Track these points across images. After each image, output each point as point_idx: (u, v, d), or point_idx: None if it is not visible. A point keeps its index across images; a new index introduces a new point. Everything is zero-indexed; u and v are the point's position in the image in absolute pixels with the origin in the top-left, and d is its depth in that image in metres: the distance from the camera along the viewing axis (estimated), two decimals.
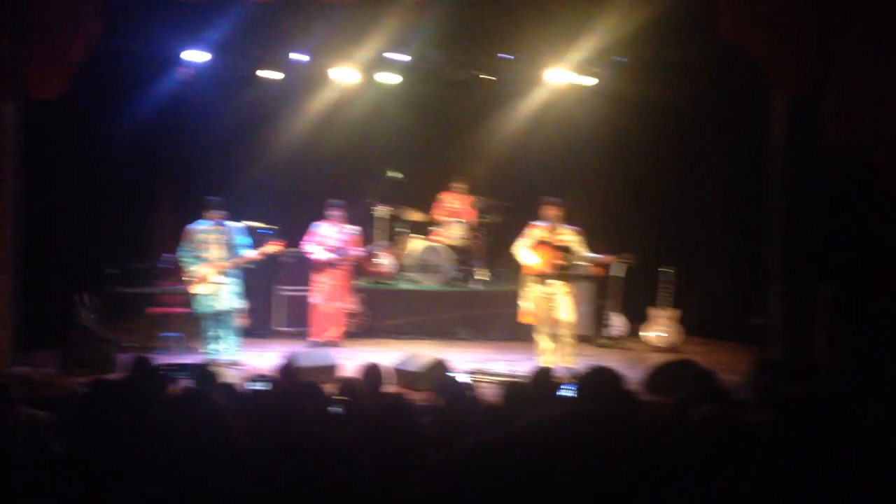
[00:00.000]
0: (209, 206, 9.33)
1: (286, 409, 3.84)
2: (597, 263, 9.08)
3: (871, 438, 3.76)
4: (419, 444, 4.07)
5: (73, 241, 10.59)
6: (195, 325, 9.99)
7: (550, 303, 9.05)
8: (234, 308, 9.44)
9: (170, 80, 10.99)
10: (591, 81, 11.34)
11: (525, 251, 9.10)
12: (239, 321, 9.53)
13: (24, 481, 4.02)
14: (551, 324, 9.10)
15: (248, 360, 9.19)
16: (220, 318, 9.35)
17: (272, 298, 10.96)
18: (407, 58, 11.18)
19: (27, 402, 5.04)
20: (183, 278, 9.35)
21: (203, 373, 5.10)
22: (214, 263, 9.27)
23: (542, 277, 9.01)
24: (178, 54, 10.73)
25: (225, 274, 9.32)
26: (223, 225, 9.40)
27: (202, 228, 9.36)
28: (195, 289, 9.26)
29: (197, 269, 9.25)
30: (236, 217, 9.64)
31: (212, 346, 9.37)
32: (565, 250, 8.93)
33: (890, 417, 3.99)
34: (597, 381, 4.06)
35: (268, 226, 10.27)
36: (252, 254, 9.43)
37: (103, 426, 3.66)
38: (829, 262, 7.26)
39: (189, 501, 2.64)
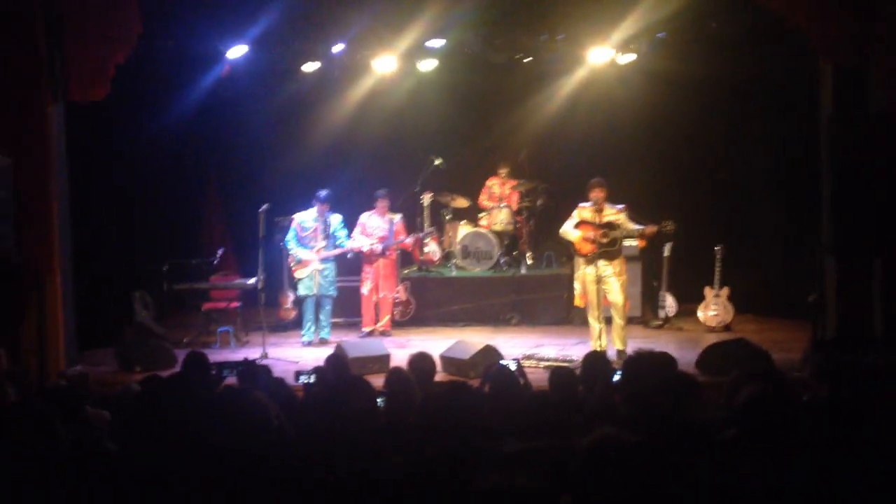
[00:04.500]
0: (318, 199, 10.07)
1: (333, 404, 3.86)
2: (640, 235, 8.97)
3: None
4: (472, 432, 4.03)
5: (125, 240, 10.78)
6: (247, 319, 10.19)
7: (601, 285, 8.96)
8: (331, 294, 10.20)
9: (211, 76, 11.09)
10: (631, 58, 11.14)
11: (570, 231, 9.03)
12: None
13: (80, 481, 4.09)
14: (602, 306, 9.01)
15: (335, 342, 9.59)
16: (319, 302, 10.15)
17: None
18: (444, 42, 11.09)
19: (89, 402, 5.12)
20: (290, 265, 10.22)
21: (248, 370, 5.16)
22: (316, 251, 10.07)
23: (589, 258, 8.93)
24: (218, 50, 10.81)
25: (325, 261, 10.12)
26: (325, 216, 10.13)
27: (307, 218, 10.12)
28: (298, 274, 10.13)
29: (302, 255, 10.07)
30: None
31: (308, 329, 10.08)
32: (609, 227, 8.84)
33: None
34: (643, 366, 4.01)
35: None
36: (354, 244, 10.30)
37: (154, 424, 3.71)
38: (883, 235, 7.07)
39: (233, 498, 2.68)
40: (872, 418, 3.32)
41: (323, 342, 10.00)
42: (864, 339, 7.29)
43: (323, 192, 10.09)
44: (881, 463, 2.69)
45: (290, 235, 10.13)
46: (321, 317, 10.19)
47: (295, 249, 10.08)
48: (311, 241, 10.09)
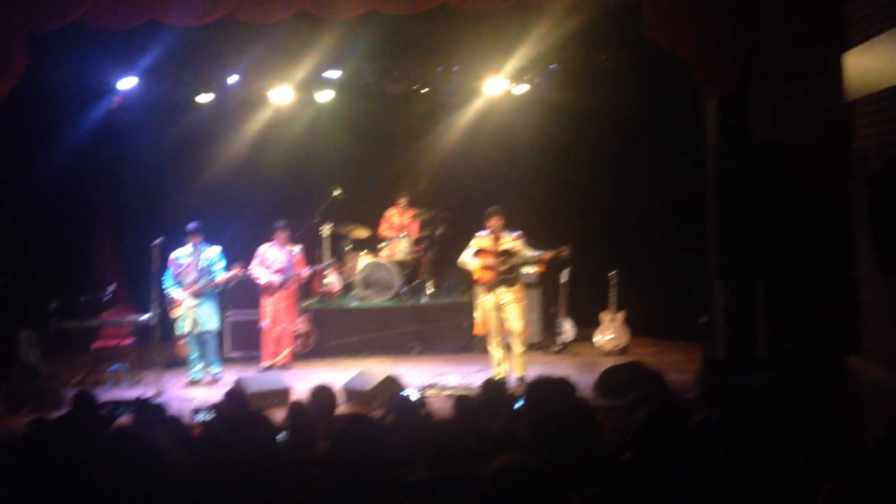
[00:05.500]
0: (187, 232, 9.71)
1: (232, 440, 3.78)
2: (538, 261, 9.13)
3: (808, 427, 3.85)
4: (376, 462, 4.02)
5: (10, 278, 10.32)
6: (141, 356, 9.89)
7: (500, 312, 9.07)
8: (211, 329, 9.84)
9: (102, 108, 10.83)
10: (525, 89, 11.42)
11: (469, 260, 9.12)
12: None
13: None
14: (502, 333, 9.12)
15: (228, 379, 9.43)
16: (199, 339, 9.78)
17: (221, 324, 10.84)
18: (340, 73, 11.14)
19: None
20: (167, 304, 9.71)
21: (142, 409, 5.01)
22: (190, 287, 9.70)
23: (488, 286, 9.04)
24: (109, 82, 10.56)
25: (200, 296, 9.73)
26: (198, 249, 9.77)
27: (182, 254, 9.69)
28: (175, 313, 9.73)
29: (173, 294, 9.66)
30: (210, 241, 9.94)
31: (195, 368, 9.75)
32: (507, 255, 8.97)
33: (827, 407, 4.09)
34: (544, 393, 4.07)
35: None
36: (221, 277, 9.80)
37: (42, 468, 3.57)
38: (763, 258, 7.40)
39: None
40: (757, 436, 3.46)
41: (215, 379, 9.75)
42: (750, 360, 7.58)
43: (192, 225, 9.77)
44: (766, 478, 2.81)
45: (166, 274, 9.69)
46: (207, 353, 9.87)
47: (169, 289, 9.71)
48: (185, 277, 9.75)
